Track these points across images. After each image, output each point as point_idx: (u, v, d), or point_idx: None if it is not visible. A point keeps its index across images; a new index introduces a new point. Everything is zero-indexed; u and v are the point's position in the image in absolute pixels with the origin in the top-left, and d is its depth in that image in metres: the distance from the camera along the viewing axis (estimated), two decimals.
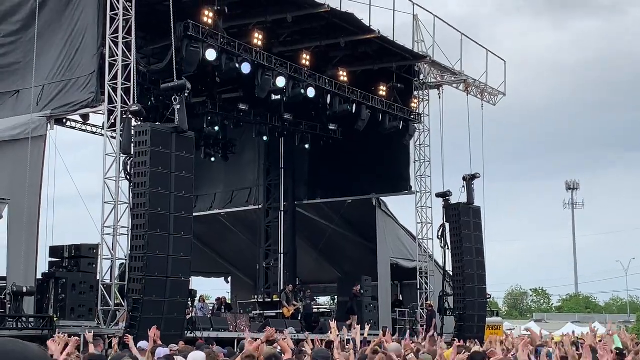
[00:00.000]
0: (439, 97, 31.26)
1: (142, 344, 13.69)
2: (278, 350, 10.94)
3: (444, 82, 31.47)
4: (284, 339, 14.22)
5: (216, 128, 29.53)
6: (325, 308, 33.82)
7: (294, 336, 20.39)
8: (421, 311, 30.03)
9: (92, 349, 11.89)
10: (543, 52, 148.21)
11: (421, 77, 31.07)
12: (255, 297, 31.19)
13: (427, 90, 31.45)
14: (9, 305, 17.99)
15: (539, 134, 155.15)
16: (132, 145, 18.75)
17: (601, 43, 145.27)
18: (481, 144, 31.14)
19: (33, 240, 19.48)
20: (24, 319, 18.00)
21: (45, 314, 18.78)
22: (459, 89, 31.60)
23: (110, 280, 19.67)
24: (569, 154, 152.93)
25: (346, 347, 12.33)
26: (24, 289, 18.04)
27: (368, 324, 18.36)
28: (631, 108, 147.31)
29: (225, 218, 35.46)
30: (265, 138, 32.00)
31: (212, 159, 32.33)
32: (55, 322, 18.18)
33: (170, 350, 10.64)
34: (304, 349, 12.74)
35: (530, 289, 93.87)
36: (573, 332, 18.48)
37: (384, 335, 7.60)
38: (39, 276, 19.76)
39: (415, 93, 30.83)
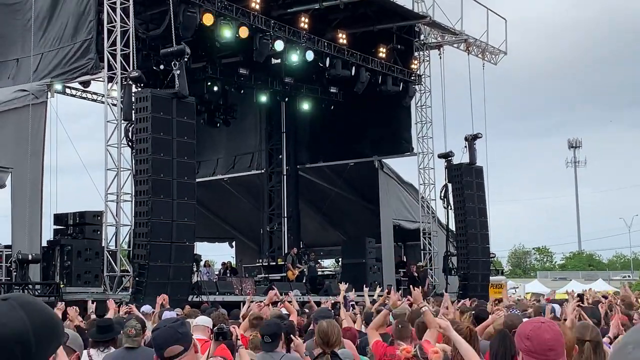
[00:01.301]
0: (440, 58, 31.12)
1: (146, 308, 13.82)
2: (284, 312, 11.06)
3: (445, 42, 31.29)
4: (290, 301, 14.38)
5: (215, 88, 29.39)
6: (330, 270, 34.03)
7: (299, 298, 20.55)
8: (413, 273, 30.07)
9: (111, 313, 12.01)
10: (544, 10, 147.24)
11: (421, 37, 30.89)
12: (260, 261, 31.35)
13: (427, 51, 31.29)
14: (15, 273, 18.14)
15: (540, 92, 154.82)
16: (133, 111, 18.75)
17: (602, 0, 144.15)
18: (483, 104, 31.12)
19: (37, 208, 19.58)
20: (30, 286, 18.15)
21: (51, 280, 18.93)
22: (459, 49, 31.44)
23: (116, 247, 19.80)
24: (571, 112, 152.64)
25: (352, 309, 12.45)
26: (30, 257, 18.17)
27: (379, 286, 18.55)
28: (633, 65, 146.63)
29: (228, 183, 35.52)
30: (265, 101, 31.92)
31: (214, 125, 32.29)
32: (61, 289, 18.33)
33: (177, 314, 10.75)
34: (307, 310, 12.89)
35: (533, 248, 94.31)
36: (572, 290, 18.57)
37: (389, 293, 7.69)
38: (44, 244, 19.89)
39: (416, 54, 30.67)
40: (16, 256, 18.05)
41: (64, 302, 12.02)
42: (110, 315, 12.13)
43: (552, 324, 3.37)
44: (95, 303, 12.90)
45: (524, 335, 3.19)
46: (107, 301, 13.95)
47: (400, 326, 7.16)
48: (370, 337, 7.23)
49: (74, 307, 11.85)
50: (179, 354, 4.08)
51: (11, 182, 19.13)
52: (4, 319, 1.90)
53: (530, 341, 3.15)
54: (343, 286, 14.82)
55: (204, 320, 8.32)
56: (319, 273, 29.86)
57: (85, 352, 6.60)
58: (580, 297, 15.08)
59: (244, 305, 13.76)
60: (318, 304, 14.94)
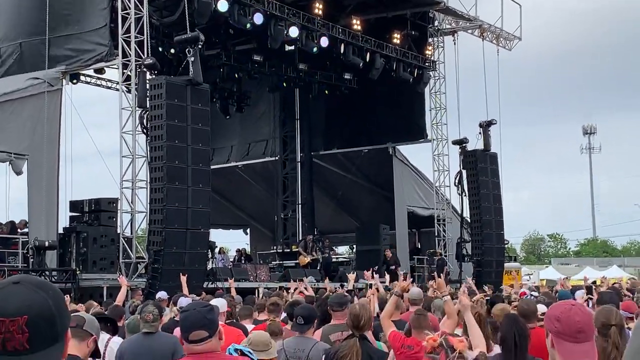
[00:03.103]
0: (454, 44, 31.03)
1: (161, 294, 13.91)
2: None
3: (459, 28, 31.16)
4: (305, 288, 14.46)
5: (231, 81, 29.41)
6: (344, 257, 34.06)
7: (314, 285, 20.62)
8: (429, 258, 30.15)
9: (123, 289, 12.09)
10: None
11: (435, 23, 30.77)
12: (274, 247, 31.44)
13: (441, 37, 31.18)
14: (32, 260, 18.26)
15: (555, 78, 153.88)
16: (148, 98, 18.78)
17: None
18: (497, 90, 30.99)
19: (53, 195, 19.69)
20: (47, 272, 18.27)
21: (67, 267, 19.06)
22: (474, 35, 31.29)
23: (131, 233, 19.90)
24: (586, 99, 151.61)
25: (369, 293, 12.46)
26: (46, 243, 18.29)
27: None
28: None
29: (243, 170, 35.60)
30: (279, 88, 31.92)
31: (228, 112, 32.35)
32: (77, 275, 18.45)
33: (192, 301, 10.79)
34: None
35: (547, 235, 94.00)
36: (585, 277, 18.58)
37: (404, 279, 7.72)
38: (60, 231, 20.01)
39: (430, 40, 30.56)
40: (33, 243, 18.17)
41: (67, 296, 12.14)
42: (122, 292, 12.21)
43: (582, 307, 3.38)
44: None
45: (554, 317, 3.21)
46: (119, 277, 14.07)
47: (418, 315, 7.16)
48: (385, 328, 7.23)
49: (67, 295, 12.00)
50: (203, 339, 4.11)
51: (27, 169, 19.24)
52: (27, 301, 1.94)
53: (560, 323, 3.17)
54: (352, 276, 14.90)
55: (218, 302, 8.37)
56: (334, 260, 29.90)
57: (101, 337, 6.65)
58: (589, 289, 15.09)
59: (258, 291, 13.89)
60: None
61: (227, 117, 32.24)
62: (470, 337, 5.30)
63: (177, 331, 7.12)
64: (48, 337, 1.94)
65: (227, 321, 8.49)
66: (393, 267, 25.95)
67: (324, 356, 6.19)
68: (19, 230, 19.90)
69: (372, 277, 13.11)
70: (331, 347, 6.73)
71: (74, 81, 24.19)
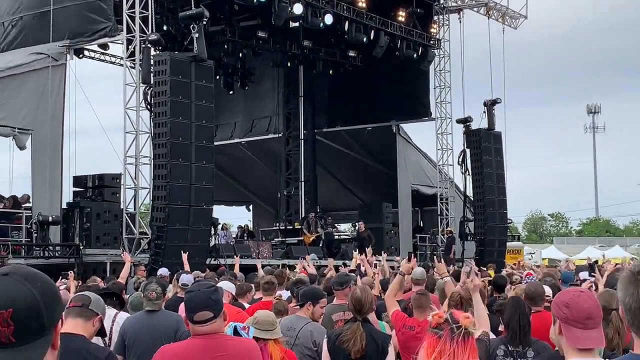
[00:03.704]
0: (459, 22, 30.86)
1: (163, 270, 13.96)
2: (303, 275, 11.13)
3: (465, 6, 31.00)
4: (308, 265, 14.50)
5: (236, 57, 29.29)
6: (347, 235, 34.10)
7: (316, 262, 20.68)
8: (442, 237, 30.23)
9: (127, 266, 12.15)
10: None
11: (441, 1, 30.60)
12: (277, 224, 31.47)
13: (447, 15, 31.01)
14: (36, 235, 18.31)
15: (560, 57, 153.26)
16: (152, 74, 18.73)
17: None
18: (502, 69, 30.86)
19: (57, 170, 19.70)
20: (50, 247, 18.32)
21: (71, 242, 19.10)
22: (479, 13, 31.13)
23: (134, 209, 19.92)
24: (590, 78, 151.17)
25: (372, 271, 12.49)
26: (50, 218, 18.31)
27: (387, 251, 18.59)
28: None
29: (246, 147, 35.57)
30: (283, 65, 31.82)
31: (232, 90, 32.28)
32: (81, 250, 18.51)
33: (195, 277, 10.83)
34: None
35: (549, 214, 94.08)
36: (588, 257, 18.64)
37: (409, 260, 7.69)
38: (64, 206, 20.04)
39: (435, 18, 30.41)
40: (36, 218, 18.21)
41: (72, 272, 12.19)
42: (126, 268, 12.25)
43: (590, 293, 3.40)
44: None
45: (563, 303, 3.22)
46: (123, 254, 14.12)
47: (420, 295, 7.18)
48: (389, 306, 7.25)
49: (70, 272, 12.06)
50: (207, 320, 4.13)
51: (31, 144, 19.22)
52: (13, 294, 1.94)
53: (569, 309, 3.18)
54: (356, 255, 14.90)
55: (225, 285, 8.39)
56: (336, 237, 29.94)
57: (108, 313, 6.68)
58: (591, 267, 15.13)
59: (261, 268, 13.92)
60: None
61: (231, 92, 32.19)
62: (475, 317, 5.30)
63: (181, 308, 7.15)
64: (34, 330, 1.94)
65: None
66: (367, 245, 25.91)
67: (325, 339, 6.20)
68: (22, 204, 19.92)
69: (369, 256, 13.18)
70: (329, 329, 6.73)
71: (80, 56, 24.12)
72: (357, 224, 28.68)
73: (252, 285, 9.89)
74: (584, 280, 10.87)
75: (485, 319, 6.27)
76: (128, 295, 10.44)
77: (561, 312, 3.20)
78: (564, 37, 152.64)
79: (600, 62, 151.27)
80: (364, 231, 26.53)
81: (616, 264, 17.66)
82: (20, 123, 18.96)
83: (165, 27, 24.98)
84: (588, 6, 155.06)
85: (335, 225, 32.67)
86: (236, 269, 14.71)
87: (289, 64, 31.72)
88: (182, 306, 6.87)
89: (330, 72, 31.59)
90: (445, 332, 3.08)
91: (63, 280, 11.84)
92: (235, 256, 17.06)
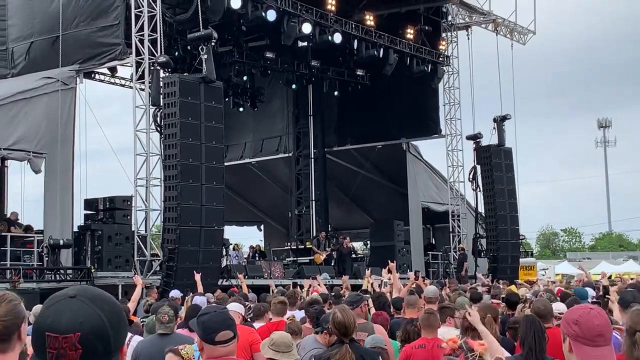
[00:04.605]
0: (468, 38, 30.90)
1: (175, 292, 13.90)
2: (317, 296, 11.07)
3: (473, 23, 31.03)
4: (318, 284, 14.41)
5: (244, 77, 29.43)
6: (359, 253, 34.00)
7: (328, 282, 20.59)
8: (454, 254, 30.11)
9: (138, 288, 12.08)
10: None
11: (449, 18, 30.65)
12: (288, 244, 31.41)
13: (455, 32, 31.05)
14: (47, 258, 18.30)
15: (569, 72, 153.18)
16: (161, 96, 18.78)
17: None
18: (511, 85, 30.85)
19: (68, 193, 19.73)
20: (62, 271, 18.31)
21: (82, 265, 19.10)
22: (487, 29, 31.15)
23: (145, 231, 19.91)
24: (601, 92, 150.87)
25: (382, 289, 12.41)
26: (61, 242, 18.32)
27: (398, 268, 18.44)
28: None
29: (256, 167, 35.61)
30: (293, 86, 31.91)
31: (241, 109, 32.35)
32: (92, 273, 18.48)
33: (208, 300, 10.77)
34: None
35: (561, 229, 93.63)
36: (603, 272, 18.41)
37: (417, 279, 7.59)
38: (75, 229, 20.05)
39: (443, 35, 30.45)
40: (48, 241, 18.22)
41: None
42: (137, 291, 12.19)
43: (600, 310, 3.35)
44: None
45: (572, 320, 3.17)
46: (134, 277, 14.07)
47: (428, 314, 7.11)
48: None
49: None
50: (229, 340, 4.10)
51: (44, 167, 19.29)
52: (81, 317, 1.94)
53: (579, 326, 3.13)
54: (368, 273, 14.79)
55: (235, 307, 8.35)
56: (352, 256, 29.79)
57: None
58: (606, 288, 14.91)
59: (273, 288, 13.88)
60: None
61: (241, 111, 32.24)
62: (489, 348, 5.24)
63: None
64: (101, 353, 1.95)
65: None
66: (349, 262, 25.73)
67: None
68: (16, 220, 19.96)
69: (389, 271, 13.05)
70: (320, 352, 6.62)
71: (92, 76, 24.23)
72: (340, 237, 28.20)
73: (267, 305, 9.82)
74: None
75: (496, 345, 6.19)
76: (139, 318, 10.40)
77: (571, 330, 3.15)
78: (573, 52, 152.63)
79: (610, 75, 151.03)
80: (345, 248, 26.17)
81: (631, 278, 17.52)
82: (34, 147, 19.03)
83: (174, 49, 25.08)
84: (596, 20, 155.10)
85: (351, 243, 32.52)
86: (244, 289, 14.66)
87: (297, 84, 31.79)
88: None
89: (339, 91, 31.63)
90: (460, 358, 3.04)
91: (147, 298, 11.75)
92: (239, 275, 17.04)
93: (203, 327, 4.18)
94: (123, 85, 28.22)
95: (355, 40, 26.22)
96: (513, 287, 15.61)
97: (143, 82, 20.00)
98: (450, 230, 31.05)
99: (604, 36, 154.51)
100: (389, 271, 12.45)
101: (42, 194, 19.62)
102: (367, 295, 9.92)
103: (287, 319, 8.39)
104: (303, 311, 9.36)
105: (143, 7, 19.86)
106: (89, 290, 2.04)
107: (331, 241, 28.57)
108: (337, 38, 25.36)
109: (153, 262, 19.47)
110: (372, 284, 13.58)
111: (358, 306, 7.73)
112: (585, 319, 3.15)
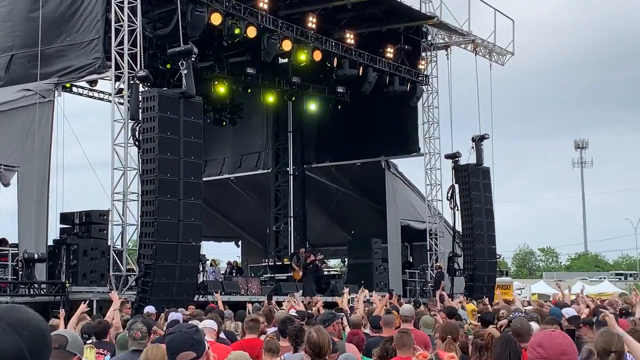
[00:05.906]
0: (447, 58, 31.07)
1: (149, 308, 13.81)
2: (293, 313, 11.01)
3: (452, 43, 31.22)
4: (295, 302, 14.37)
5: (222, 88, 29.37)
6: (336, 270, 33.97)
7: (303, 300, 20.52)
8: (431, 272, 30.13)
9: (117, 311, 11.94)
10: (551, 11, 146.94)
11: (429, 38, 30.83)
12: (266, 260, 31.33)
13: (434, 52, 31.23)
14: (21, 272, 18.12)
15: (547, 93, 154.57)
16: (140, 111, 18.73)
17: (608, 2, 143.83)
18: (489, 105, 31.01)
19: (43, 207, 19.57)
20: (36, 285, 18.13)
21: (57, 280, 18.92)
22: (467, 49, 31.35)
23: (122, 246, 19.78)
24: (578, 113, 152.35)
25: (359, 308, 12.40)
26: (36, 256, 18.15)
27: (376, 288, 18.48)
28: None
29: (235, 182, 35.52)
30: (272, 101, 31.91)
31: (221, 124, 32.31)
32: (67, 288, 18.32)
33: (182, 315, 10.71)
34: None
35: (538, 249, 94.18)
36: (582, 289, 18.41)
37: (390, 297, 7.60)
38: (50, 243, 19.89)
39: (423, 54, 30.61)
40: (22, 255, 18.04)
41: (63, 310, 12.02)
42: (114, 307, 12.07)
43: (562, 332, 3.38)
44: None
45: (536, 344, 3.20)
46: (111, 293, 13.93)
47: (402, 333, 7.12)
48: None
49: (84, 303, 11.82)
50: None
51: (17, 181, 19.10)
52: None
53: (543, 348, 3.16)
54: (346, 291, 14.76)
55: (210, 323, 8.31)
56: (325, 273, 29.79)
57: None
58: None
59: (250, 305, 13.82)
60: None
61: (220, 127, 32.18)
62: None
63: None
64: None
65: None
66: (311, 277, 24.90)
67: None
68: None
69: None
70: None
71: (69, 87, 24.06)
72: (299, 251, 27.48)
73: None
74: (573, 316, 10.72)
75: None
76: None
77: (536, 353, 3.18)
78: (551, 73, 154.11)
79: (587, 97, 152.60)
80: (308, 262, 25.27)
81: (603, 300, 17.59)
82: (6, 160, 18.85)
83: (154, 64, 25.04)
84: (574, 42, 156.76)
85: (325, 261, 32.52)
86: (220, 306, 14.59)
87: (277, 100, 31.81)
88: None
89: (319, 107, 31.67)
90: None
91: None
92: (215, 294, 16.96)
93: (166, 347, 4.16)
94: (101, 99, 28.12)
95: (335, 58, 26.31)
96: (471, 306, 15.65)
97: (122, 96, 19.94)
98: (428, 248, 31.09)
99: (581, 58, 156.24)
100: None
101: (17, 208, 19.44)
102: (341, 314, 9.89)
103: (267, 336, 8.36)
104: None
105: (123, 21, 19.82)
106: (13, 313, 1.99)
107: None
108: (317, 55, 25.45)
109: (129, 277, 19.34)
110: (348, 302, 13.57)
111: (330, 324, 7.71)
112: (547, 340, 3.20)
